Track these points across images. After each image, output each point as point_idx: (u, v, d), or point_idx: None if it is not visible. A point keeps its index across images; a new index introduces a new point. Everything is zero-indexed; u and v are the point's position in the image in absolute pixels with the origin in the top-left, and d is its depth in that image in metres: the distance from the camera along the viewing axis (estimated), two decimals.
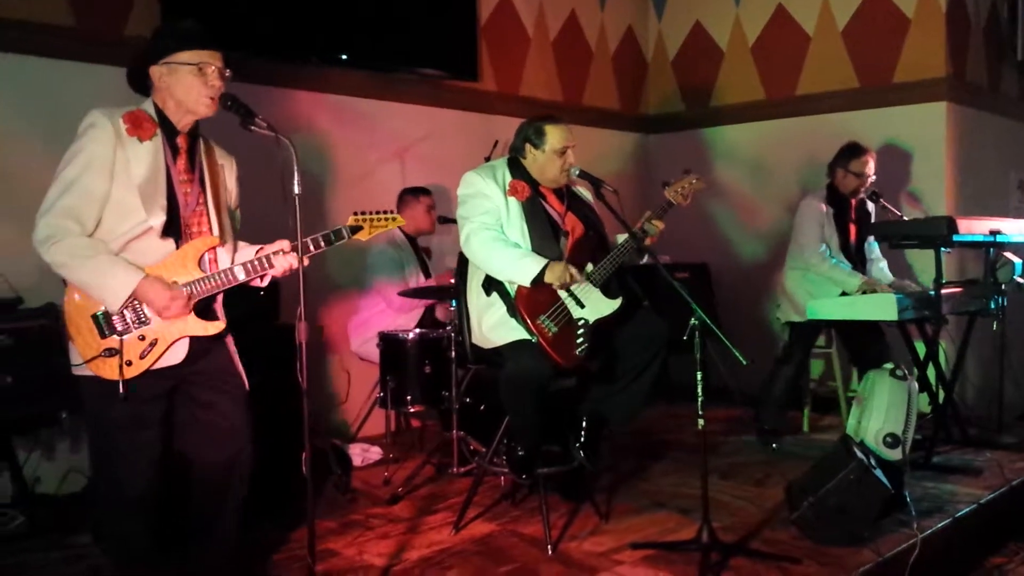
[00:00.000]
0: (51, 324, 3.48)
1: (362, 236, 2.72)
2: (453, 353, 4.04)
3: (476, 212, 3.44)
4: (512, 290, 3.37)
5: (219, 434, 2.64)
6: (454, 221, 5.07)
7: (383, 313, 4.70)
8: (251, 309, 3.39)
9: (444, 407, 4.23)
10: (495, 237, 3.40)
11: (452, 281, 4.08)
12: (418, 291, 4.49)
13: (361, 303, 4.87)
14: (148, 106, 2.55)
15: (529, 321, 3.27)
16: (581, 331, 3.36)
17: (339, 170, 5.00)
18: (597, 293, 3.44)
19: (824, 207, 4.70)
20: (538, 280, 3.29)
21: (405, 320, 4.65)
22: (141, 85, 2.60)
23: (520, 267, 3.31)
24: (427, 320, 4.71)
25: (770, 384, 4.83)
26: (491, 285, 3.42)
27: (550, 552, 3.19)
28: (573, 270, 3.30)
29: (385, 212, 2.75)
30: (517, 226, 3.45)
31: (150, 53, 2.54)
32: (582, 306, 3.38)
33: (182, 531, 2.72)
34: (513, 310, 3.34)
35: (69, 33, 4.02)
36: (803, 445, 4.78)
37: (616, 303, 3.43)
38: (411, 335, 4.26)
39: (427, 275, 4.89)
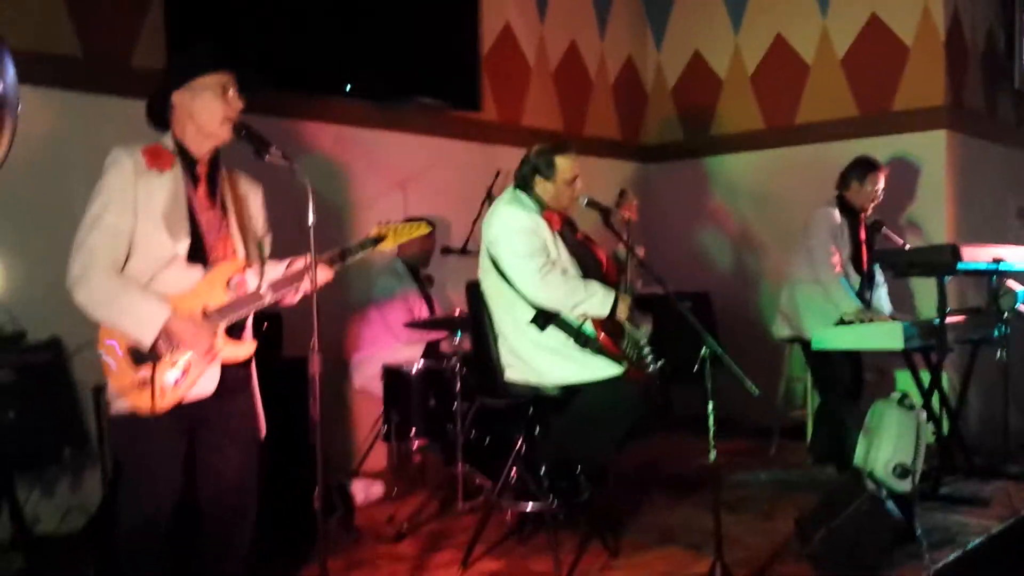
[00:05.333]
0: (55, 358, 3.45)
1: (386, 246, 2.72)
2: (458, 386, 4.00)
3: (534, 248, 3.41)
4: (583, 325, 3.39)
5: (224, 483, 2.60)
6: (458, 252, 5.13)
7: (388, 347, 4.66)
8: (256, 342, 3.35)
9: (448, 440, 4.19)
10: (567, 273, 3.42)
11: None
12: (426, 323, 4.45)
13: (364, 338, 4.83)
14: (167, 140, 2.56)
15: (618, 353, 3.35)
16: (646, 348, 3.44)
17: (341, 200, 4.98)
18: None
19: (839, 217, 4.64)
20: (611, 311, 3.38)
21: (409, 352, 4.62)
22: (160, 118, 2.59)
23: (596, 300, 3.37)
24: (430, 352, 4.67)
25: (836, 418, 4.56)
26: (547, 320, 3.40)
27: None
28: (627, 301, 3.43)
29: (409, 220, 2.76)
30: (565, 257, 3.47)
31: (173, 79, 2.55)
32: (636, 327, 3.48)
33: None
34: (593, 344, 3.37)
35: (76, 64, 4.00)
36: (807, 477, 4.73)
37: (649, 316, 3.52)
38: (415, 368, 4.22)
39: (430, 305, 4.86)
